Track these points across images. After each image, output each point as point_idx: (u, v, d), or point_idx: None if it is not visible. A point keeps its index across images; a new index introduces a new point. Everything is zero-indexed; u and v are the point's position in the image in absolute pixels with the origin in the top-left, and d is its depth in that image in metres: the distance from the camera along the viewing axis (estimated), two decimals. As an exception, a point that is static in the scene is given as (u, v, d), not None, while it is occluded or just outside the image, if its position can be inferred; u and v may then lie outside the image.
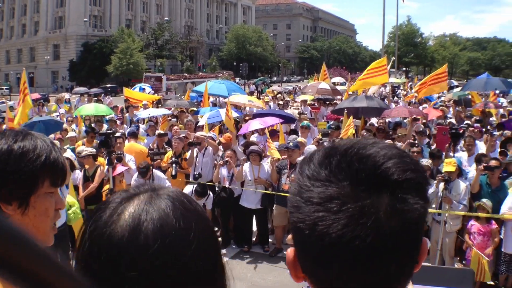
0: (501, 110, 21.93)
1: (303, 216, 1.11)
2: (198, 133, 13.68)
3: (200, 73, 74.99)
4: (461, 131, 13.11)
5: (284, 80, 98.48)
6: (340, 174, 1.11)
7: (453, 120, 18.23)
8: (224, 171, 12.05)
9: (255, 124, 15.28)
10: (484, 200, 9.75)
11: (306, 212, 1.11)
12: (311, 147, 12.70)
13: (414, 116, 15.17)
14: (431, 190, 9.98)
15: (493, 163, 10.27)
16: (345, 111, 15.41)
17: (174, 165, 11.88)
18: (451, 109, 23.61)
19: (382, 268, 1.08)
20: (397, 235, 1.07)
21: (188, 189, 11.23)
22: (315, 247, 1.10)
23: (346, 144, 1.18)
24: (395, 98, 33.32)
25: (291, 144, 12.26)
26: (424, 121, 18.02)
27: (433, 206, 10.09)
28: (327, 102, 25.76)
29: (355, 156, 1.14)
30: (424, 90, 21.29)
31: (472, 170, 10.77)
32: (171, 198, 1.22)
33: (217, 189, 12.08)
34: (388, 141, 12.38)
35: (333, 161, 1.14)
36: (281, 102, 28.46)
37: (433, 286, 2.20)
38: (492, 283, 10.05)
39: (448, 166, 9.84)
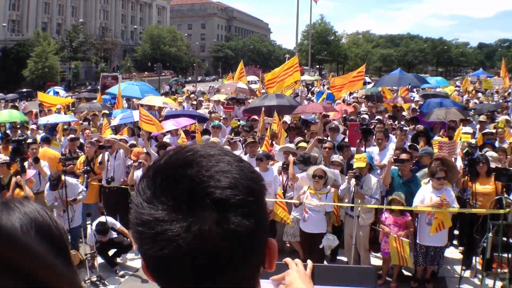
0: (413, 105, 22.41)
1: (134, 234, 1.16)
2: (109, 136, 13.43)
3: (146, 72, 74.10)
4: (372, 126, 13.36)
5: (198, 80, 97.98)
6: (162, 196, 1.12)
7: (366, 116, 18.43)
8: (139, 174, 11.87)
9: (169, 125, 15.24)
10: (398, 193, 9.98)
11: (134, 231, 1.15)
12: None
13: (324, 113, 15.27)
14: (343, 186, 10.12)
15: (403, 156, 10.52)
16: (263, 109, 15.54)
17: (86, 175, 11.66)
18: (363, 105, 24.02)
19: (212, 279, 1.10)
20: (221, 253, 1.08)
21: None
22: (146, 262, 1.16)
23: (172, 162, 1.18)
24: (309, 95, 33.62)
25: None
26: (344, 115, 18.32)
27: (346, 201, 10.25)
28: (241, 102, 25.79)
29: (176, 176, 1.14)
30: (343, 91, 21.69)
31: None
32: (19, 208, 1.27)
33: (132, 192, 11.90)
34: (299, 138, 12.52)
35: (157, 181, 1.15)
36: (194, 102, 28.54)
37: (333, 286, 2.19)
38: (410, 274, 10.41)
39: (358, 162, 9.97)
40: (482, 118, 18.09)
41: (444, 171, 9.70)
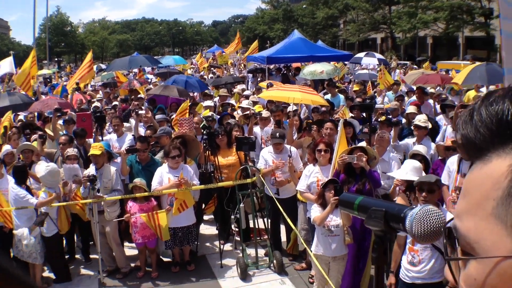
0: (150, 86, 22.27)
1: None
2: None
3: None
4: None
5: None
6: None
7: (98, 104, 17.78)
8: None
9: None
10: (136, 180, 9.50)
11: None
12: None
13: (56, 107, 14.23)
14: (82, 189, 9.40)
15: (138, 144, 10.14)
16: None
17: None
18: (101, 92, 23.35)
19: None
20: None
21: None
22: None
23: None
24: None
25: None
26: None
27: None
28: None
29: None
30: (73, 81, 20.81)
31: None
32: None
33: None
34: (35, 136, 11.47)
35: None
36: None
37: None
38: (169, 259, 10.28)
39: (94, 149, 9.46)
40: (222, 92, 18.45)
41: (179, 148, 9.42)
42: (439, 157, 9.66)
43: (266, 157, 9.91)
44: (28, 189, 9.19)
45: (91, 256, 10.51)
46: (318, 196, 7.74)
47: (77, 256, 10.63)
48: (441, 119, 13.05)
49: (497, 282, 0.86)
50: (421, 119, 10.41)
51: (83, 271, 10.09)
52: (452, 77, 19.52)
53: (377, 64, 29.14)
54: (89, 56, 21.59)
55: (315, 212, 7.64)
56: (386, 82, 19.40)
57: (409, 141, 10.65)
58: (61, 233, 9.42)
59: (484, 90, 16.52)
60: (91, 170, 9.46)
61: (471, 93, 16.40)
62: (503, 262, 0.85)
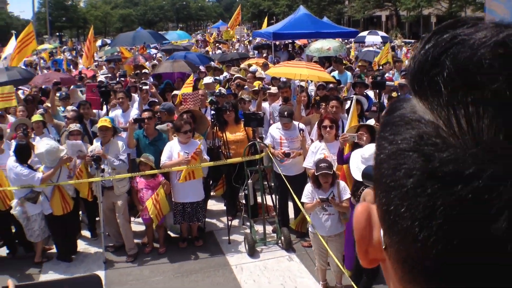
0: (155, 61, 22.17)
1: None
2: None
3: None
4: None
5: None
6: None
7: (103, 79, 17.64)
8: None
9: None
10: (145, 155, 9.41)
11: None
12: None
13: (55, 80, 14.00)
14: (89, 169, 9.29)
15: (145, 114, 10.12)
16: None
17: None
18: (104, 67, 23.31)
19: None
20: None
21: None
22: None
23: None
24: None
25: None
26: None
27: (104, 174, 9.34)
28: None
29: None
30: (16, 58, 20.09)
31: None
32: None
33: None
34: (40, 111, 11.40)
35: None
36: None
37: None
38: (177, 235, 10.23)
39: (103, 121, 9.42)
40: (234, 70, 18.55)
41: (190, 123, 9.34)
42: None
43: (274, 133, 9.86)
44: (30, 167, 8.93)
45: (98, 232, 10.40)
46: (312, 180, 7.73)
47: (83, 232, 10.54)
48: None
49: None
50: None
51: (89, 247, 10.00)
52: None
53: (381, 42, 29.18)
54: (91, 33, 21.37)
55: (306, 196, 7.69)
56: (387, 59, 19.41)
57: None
58: (54, 215, 9.11)
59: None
60: (96, 146, 9.36)
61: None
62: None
